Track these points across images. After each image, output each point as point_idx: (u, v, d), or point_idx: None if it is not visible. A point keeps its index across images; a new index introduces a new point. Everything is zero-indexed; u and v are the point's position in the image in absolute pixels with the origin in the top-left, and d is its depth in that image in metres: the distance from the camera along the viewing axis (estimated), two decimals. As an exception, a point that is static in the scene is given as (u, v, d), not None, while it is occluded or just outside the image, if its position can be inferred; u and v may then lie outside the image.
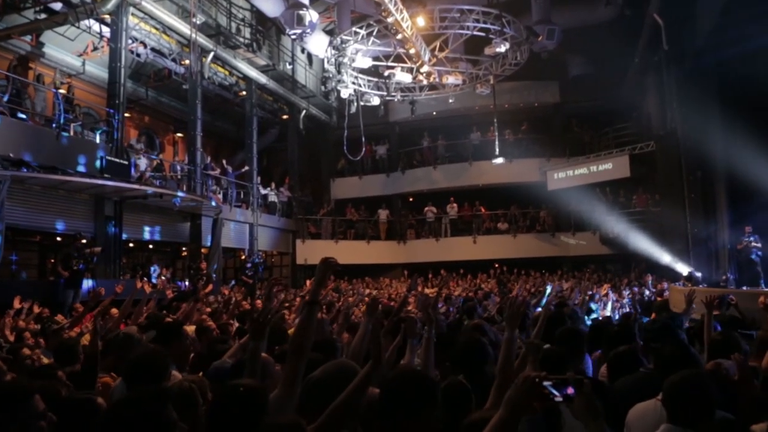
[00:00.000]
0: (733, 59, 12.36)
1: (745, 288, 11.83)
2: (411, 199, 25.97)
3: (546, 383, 1.79)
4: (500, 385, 2.69)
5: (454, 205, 23.87)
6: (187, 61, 16.68)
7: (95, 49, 16.15)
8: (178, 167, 18.15)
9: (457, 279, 20.48)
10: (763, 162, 11.73)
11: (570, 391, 1.81)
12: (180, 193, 14.87)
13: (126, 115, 15.48)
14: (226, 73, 19.49)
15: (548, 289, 10.52)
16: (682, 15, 14.55)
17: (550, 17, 17.79)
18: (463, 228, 23.71)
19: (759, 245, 12.42)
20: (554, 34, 17.57)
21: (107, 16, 14.33)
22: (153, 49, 16.38)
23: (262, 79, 20.08)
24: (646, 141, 19.48)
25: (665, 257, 16.78)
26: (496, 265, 21.77)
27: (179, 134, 22.14)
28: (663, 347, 3.08)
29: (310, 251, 22.25)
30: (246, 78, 19.83)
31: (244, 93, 20.40)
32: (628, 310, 12.56)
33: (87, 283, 10.96)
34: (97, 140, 13.63)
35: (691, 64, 15.05)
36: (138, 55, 16.04)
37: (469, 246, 23.00)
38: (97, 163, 12.90)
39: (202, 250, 17.31)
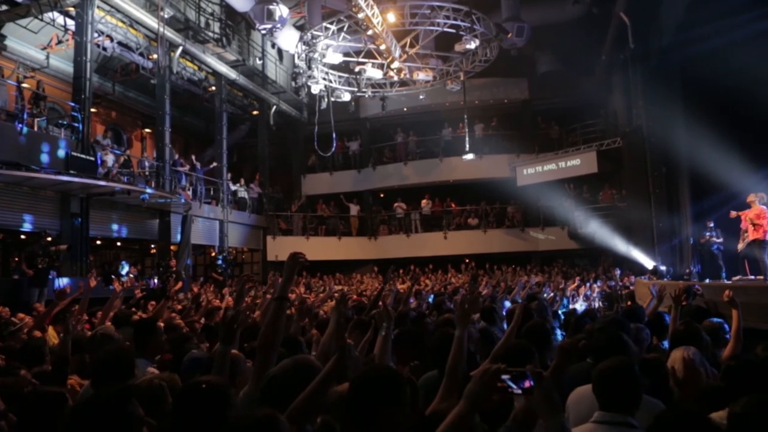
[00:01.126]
0: (697, 58, 12.61)
1: (708, 281, 12.11)
2: (382, 195, 26.01)
3: (505, 376, 1.81)
4: (448, 384, 2.70)
5: (428, 201, 23.98)
6: (155, 56, 16.46)
7: (60, 42, 15.84)
8: (146, 163, 17.91)
9: (428, 274, 20.59)
10: (724, 158, 12.02)
11: (528, 383, 1.82)
12: (148, 190, 14.69)
13: (92, 110, 15.22)
14: (195, 68, 19.26)
15: (531, 281, 10.64)
16: (648, 14, 14.83)
17: (520, 15, 17.98)
18: (434, 223, 23.84)
19: (720, 239, 12.71)
20: (523, 32, 17.76)
21: (72, 9, 14.06)
22: (120, 43, 16.09)
23: (232, 74, 19.90)
24: (613, 137, 19.82)
25: (631, 251, 17.10)
26: (467, 260, 21.94)
27: (147, 130, 21.83)
28: (597, 338, 3.18)
29: (281, 248, 22.14)
30: (215, 73, 19.63)
31: (213, 88, 20.19)
32: (598, 303, 12.83)
33: (62, 281, 10.76)
34: (63, 136, 13.36)
35: (656, 63, 15.35)
36: (104, 48, 15.75)
37: (440, 241, 23.14)
38: (63, 159, 12.65)
39: (172, 248, 17.13)
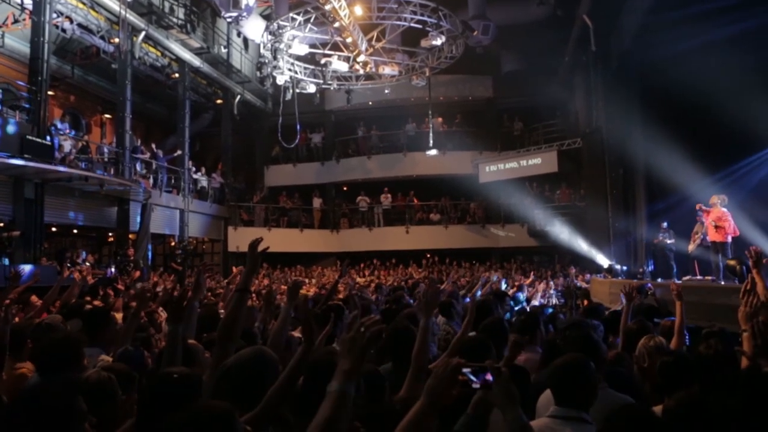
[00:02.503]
0: (655, 63, 12.94)
1: (660, 280, 12.47)
2: (345, 188, 26.00)
3: (465, 370, 1.84)
4: (414, 372, 2.75)
5: (388, 195, 24.06)
6: (117, 40, 16.08)
7: (16, 21, 15.34)
8: (105, 149, 17.53)
9: (390, 268, 20.73)
10: (678, 162, 12.38)
11: (488, 378, 1.86)
12: (107, 177, 14.40)
13: (49, 93, 14.80)
14: (158, 54, 18.88)
15: (494, 278, 10.77)
16: (610, 18, 15.13)
17: (486, 13, 18.15)
18: (396, 218, 23.95)
19: (673, 240, 13.10)
20: (489, 30, 17.93)
21: (30, -13, 13.65)
22: (80, 25, 15.65)
23: (196, 61, 19.60)
24: (573, 138, 20.18)
25: (588, 250, 17.48)
26: (428, 255, 22.12)
27: (107, 115, 21.34)
28: (568, 338, 3.26)
29: (243, 238, 21.95)
30: (179, 60, 19.30)
31: (176, 75, 19.84)
32: (555, 300, 13.10)
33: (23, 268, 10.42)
34: (17, 118, 12.97)
35: (616, 66, 15.69)
36: (63, 30, 15.30)
37: (402, 236, 23.27)
38: (16, 142, 12.25)
39: (130, 236, 16.83)
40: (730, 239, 10.52)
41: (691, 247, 12.13)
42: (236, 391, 2.31)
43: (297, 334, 4.46)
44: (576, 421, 2.47)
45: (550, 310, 9.88)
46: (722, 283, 9.86)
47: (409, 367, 2.88)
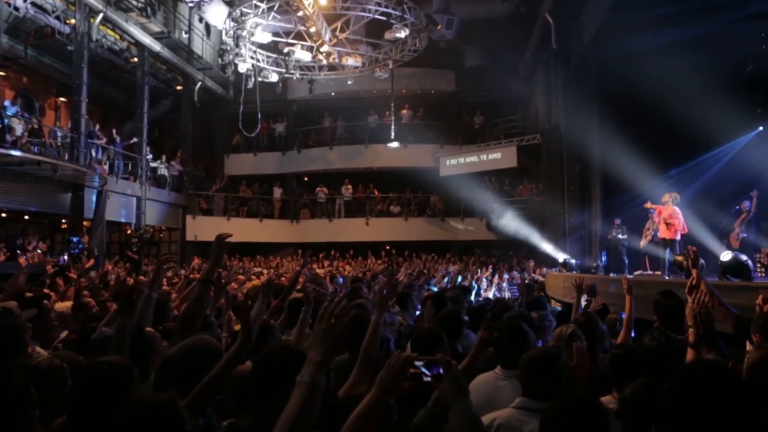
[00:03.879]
0: (613, 63, 13.20)
1: (612, 274, 12.80)
2: (306, 179, 25.90)
3: (418, 363, 1.87)
4: (362, 365, 2.78)
5: (349, 186, 24.05)
6: (73, 21, 15.66)
7: (-36, -2, 14.79)
8: (59, 133, 17.06)
9: (349, 260, 20.76)
10: (632, 160, 12.71)
11: (438, 371, 1.89)
12: (61, 162, 14.05)
13: (0, 73, 14.34)
14: (117, 37, 18.43)
15: (451, 272, 10.89)
16: (571, 17, 15.39)
17: (450, 8, 18.28)
18: (357, 209, 23.99)
19: (626, 236, 13.44)
20: (453, 25, 18.08)
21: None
22: (34, 4, 15.14)
23: (156, 46, 19.19)
24: (533, 134, 20.48)
25: (545, 244, 17.79)
26: (387, 247, 22.22)
27: (62, 99, 20.74)
28: (500, 327, 3.34)
29: (201, 227, 21.71)
30: (138, 44, 18.86)
31: (135, 60, 19.40)
32: (508, 293, 13.30)
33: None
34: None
35: (575, 64, 15.98)
36: (16, 8, 14.76)
37: (362, 227, 23.31)
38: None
39: (84, 223, 16.45)
40: (679, 236, 10.86)
41: (643, 243, 12.49)
42: (179, 380, 2.29)
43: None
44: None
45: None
46: (667, 278, 10.18)
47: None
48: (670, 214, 10.83)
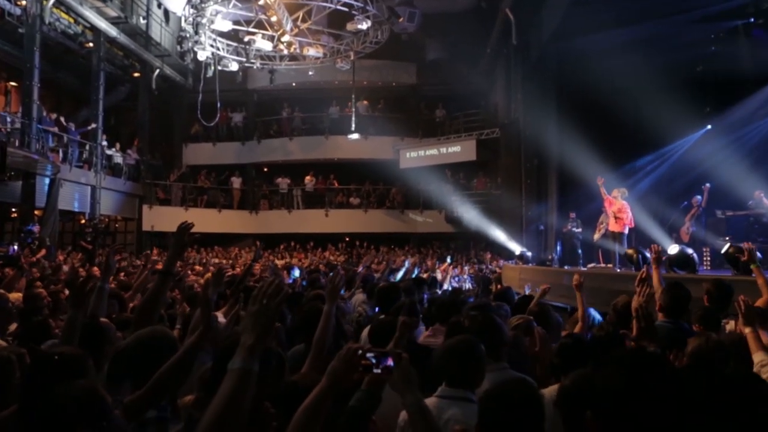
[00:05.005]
0: (570, 59, 13.47)
1: (567, 267, 13.11)
2: (265, 170, 25.70)
3: (369, 354, 1.90)
4: (314, 355, 2.81)
5: (312, 177, 23.99)
6: (24, 2, 15.17)
7: None
8: (8, 119, 16.54)
9: (308, 251, 20.73)
10: (587, 155, 13.00)
11: (389, 363, 1.92)
12: (11, 149, 13.63)
13: (-55, 55, 13.82)
14: (71, 20, 17.88)
15: (406, 265, 10.96)
16: (531, 14, 15.59)
17: (412, 1, 18.32)
18: (316, 201, 23.94)
19: (580, 230, 13.78)
20: (415, 18, 18.15)
21: None
22: (-18, -16, 14.69)
23: (113, 31, 18.71)
24: (492, 128, 20.74)
25: (502, 237, 18.07)
26: (347, 239, 22.25)
27: (13, 83, 20.07)
28: (473, 320, 3.41)
29: (158, 218, 21.37)
30: (94, 28, 18.36)
31: (91, 45, 18.88)
32: (468, 284, 13.50)
33: None
34: None
35: (534, 61, 16.21)
36: (-37, -11, 14.31)
37: (321, 219, 23.28)
38: None
39: (36, 213, 16.01)
40: (627, 230, 11.18)
41: (596, 236, 12.82)
42: (132, 371, 2.29)
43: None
44: (462, 400, 2.57)
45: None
46: (618, 270, 10.49)
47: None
48: (620, 208, 11.14)
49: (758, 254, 5.14)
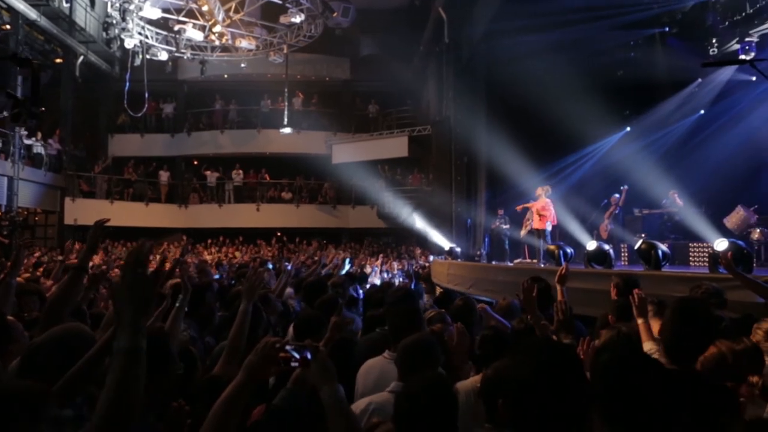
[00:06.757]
0: (500, 60, 13.78)
1: (494, 262, 13.48)
2: (195, 162, 25.17)
3: (288, 347, 1.93)
4: (229, 351, 2.82)
5: (240, 171, 23.65)
6: (-67, -18, 14.32)
7: None
8: None
9: (238, 246, 20.48)
10: (515, 154, 13.40)
11: (307, 356, 1.96)
12: None
13: None
14: (-15, 1, 16.99)
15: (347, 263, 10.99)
16: (463, 13, 15.91)
17: (347, -5, 18.35)
18: (247, 195, 23.64)
19: (508, 226, 14.17)
20: (349, 13, 18.19)
21: None
22: None
23: (32, 14, 17.83)
24: (424, 125, 21.00)
25: (432, 233, 18.35)
26: (278, 234, 22.10)
27: None
28: (395, 312, 3.51)
29: (82, 211, 20.58)
30: (10, 9, 17.41)
31: (8, 27, 17.91)
32: (399, 279, 13.69)
33: None
34: None
35: (466, 59, 16.53)
36: None
37: (253, 213, 23.02)
38: None
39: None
40: (549, 227, 11.61)
41: (523, 233, 13.24)
42: (47, 369, 2.23)
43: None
44: None
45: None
46: (542, 265, 10.88)
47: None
48: (543, 206, 11.55)
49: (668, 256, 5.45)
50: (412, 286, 9.54)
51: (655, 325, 3.35)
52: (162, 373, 2.01)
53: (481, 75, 15.77)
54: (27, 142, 19.05)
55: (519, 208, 12.54)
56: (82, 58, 20.91)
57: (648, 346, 3.09)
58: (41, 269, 8.92)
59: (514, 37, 12.55)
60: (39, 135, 20.07)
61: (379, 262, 14.81)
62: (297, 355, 1.93)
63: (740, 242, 6.89)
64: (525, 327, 3.80)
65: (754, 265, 7.21)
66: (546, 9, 11.67)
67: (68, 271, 3.05)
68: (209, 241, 21.08)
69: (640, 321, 3.29)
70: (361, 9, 19.03)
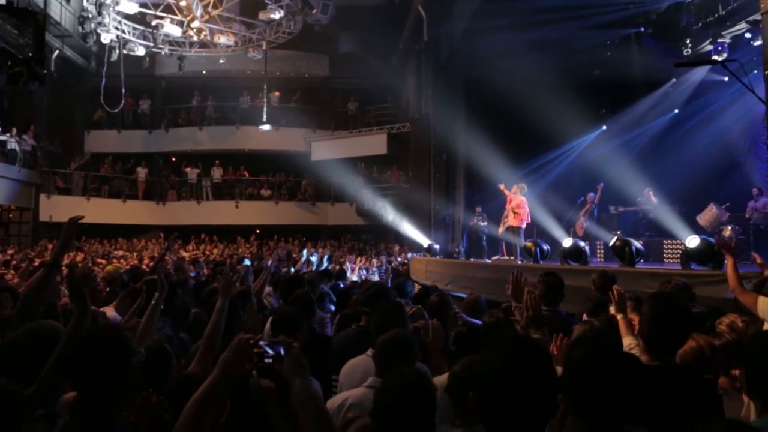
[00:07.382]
0: (478, 59, 13.90)
1: (472, 259, 13.59)
2: (173, 159, 24.97)
3: (262, 343, 1.95)
4: (204, 349, 2.83)
5: (219, 168, 23.51)
6: None
7: None
8: None
9: (217, 243, 20.39)
10: (493, 153, 13.52)
11: (281, 352, 1.98)
12: None
13: None
14: (-43, -7, 16.65)
15: (314, 258, 11.01)
16: (442, 11, 15.97)
17: (326, -8, 18.29)
18: (226, 192, 23.52)
19: (486, 224, 14.29)
20: (328, 9, 18.14)
21: None
22: None
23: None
24: (403, 122, 21.05)
25: (411, 230, 18.42)
26: (257, 231, 22.02)
27: None
28: (377, 309, 3.54)
29: (57, 208, 20.29)
30: (-17, 4, 17.17)
31: (-21, 21, 17.68)
32: (377, 276, 13.74)
33: None
34: None
35: (445, 57, 16.62)
36: None
37: (231, 210, 22.91)
38: None
39: None
40: (524, 224, 11.74)
41: (501, 230, 13.32)
42: (21, 368, 2.21)
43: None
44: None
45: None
46: (519, 262, 11.00)
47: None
48: (518, 204, 11.67)
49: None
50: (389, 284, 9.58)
51: (634, 321, 3.42)
52: (125, 366, 2.00)
53: (459, 73, 15.87)
54: (1, 138, 18.77)
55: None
56: (57, 52, 20.56)
57: (627, 341, 3.14)
58: (13, 262, 8.81)
59: (493, 35, 12.65)
60: (14, 131, 19.78)
61: (358, 260, 14.85)
62: (271, 351, 1.95)
63: (710, 239, 7.04)
64: (496, 321, 3.86)
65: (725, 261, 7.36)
66: (524, 8, 11.80)
67: (41, 267, 3.02)
68: (192, 238, 20.95)
69: (619, 317, 3.34)
70: (340, 6, 18.99)
